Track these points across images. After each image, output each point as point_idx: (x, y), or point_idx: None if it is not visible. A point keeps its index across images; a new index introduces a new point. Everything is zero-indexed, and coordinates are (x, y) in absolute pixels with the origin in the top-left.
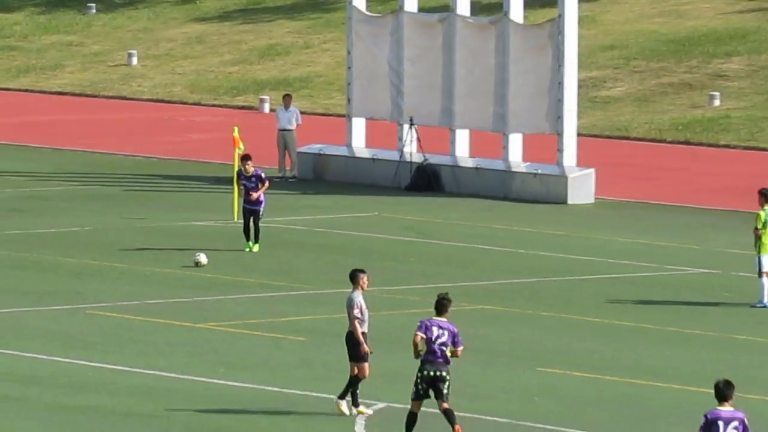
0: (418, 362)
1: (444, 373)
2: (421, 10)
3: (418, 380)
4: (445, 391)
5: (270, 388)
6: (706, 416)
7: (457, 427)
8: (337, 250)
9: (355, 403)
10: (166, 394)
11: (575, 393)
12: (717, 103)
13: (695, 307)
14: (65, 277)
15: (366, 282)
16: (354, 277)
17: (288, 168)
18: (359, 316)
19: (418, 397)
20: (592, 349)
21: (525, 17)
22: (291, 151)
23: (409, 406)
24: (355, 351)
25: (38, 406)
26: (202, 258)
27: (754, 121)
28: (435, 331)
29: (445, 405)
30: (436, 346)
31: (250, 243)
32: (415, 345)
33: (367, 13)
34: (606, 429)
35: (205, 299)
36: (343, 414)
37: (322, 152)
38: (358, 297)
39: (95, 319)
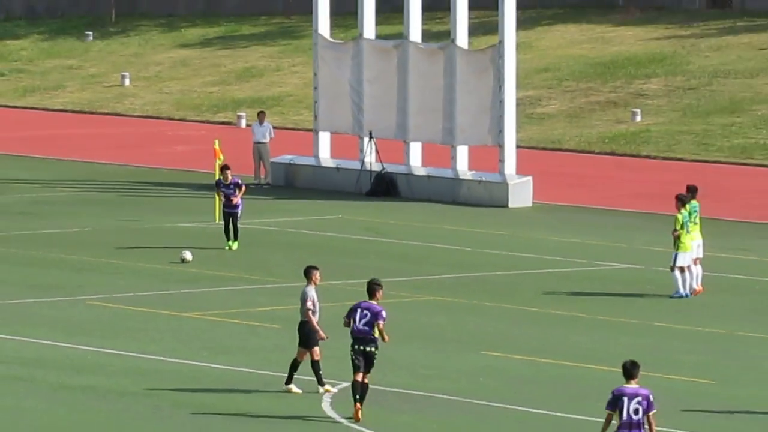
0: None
1: (372, 349)
2: (378, 37)
3: (353, 355)
4: (371, 366)
5: (247, 369)
6: (613, 392)
7: (358, 405)
8: (306, 248)
9: (320, 383)
10: (156, 375)
11: (516, 373)
12: (638, 118)
13: (621, 298)
14: (67, 272)
15: (318, 277)
16: (308, 273)
17: (262, 176)
18: (312, 307)
19: (357, 369)
20: (531, 334)
21: (470, 43)
22: (265, 161)
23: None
24: (309, 338)
25: (43, 386)
26: (188, 255)
27: (671, 135)
28: (359, 312)
29: (366, 380)
30: (360, 326)
31: (230, 242)
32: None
33: (331, 40)
34: (543, 405)
35: (190, 291)
36: (297, 394)
37: (292, 162)
38: (311, 291)
39: (94, 309)
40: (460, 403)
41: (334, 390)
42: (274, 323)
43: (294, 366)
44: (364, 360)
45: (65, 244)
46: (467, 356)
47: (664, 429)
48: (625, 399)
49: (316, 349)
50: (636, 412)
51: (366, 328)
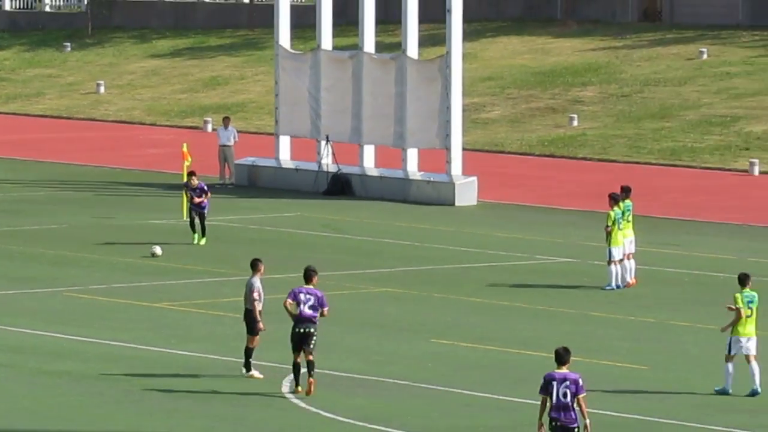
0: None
1: (311, 330)
2: (335, 48)
3: (292, 337)
4: (311, 345)
5: (213, 356)
6: (544, 377)
7: (311, 380)
8: (268, 243)
9: (247, 368)
10: (128, 361)
11: (462, 359)
12: (575, 123)
13: (559, 290)
14: (46, 265)
15: (263, 269)
16: (254, 264)
17: (227, 177)
18: (257, 297)
19: (296, 349)
20: (476, 323)
21: (419, 54)
22: (230, 163)
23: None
24: (252, 326)
25: (24, 371)
26: (158, 250)
27: (606, 138)
28: (302, 296)
29: (310, 357)
30: (306, 309)
31: (197, 236)
32: (286, 308)
33: (291, 51)
34: (487, 389)
35: (160, 283)
36: (258, 379)
37: (255, 164)
38: (257, 282)
39: (71, 299)
40: (410, 387)
41: (260, 376)
42: (237, 313)
43: (248, 353)
44: (305, 339)
45: (44, 239)
46: (417, 344)
47: (601, 411)
48: (554, 383)
49: (257, 337)
50: (564, 395)
51: (310, 311)
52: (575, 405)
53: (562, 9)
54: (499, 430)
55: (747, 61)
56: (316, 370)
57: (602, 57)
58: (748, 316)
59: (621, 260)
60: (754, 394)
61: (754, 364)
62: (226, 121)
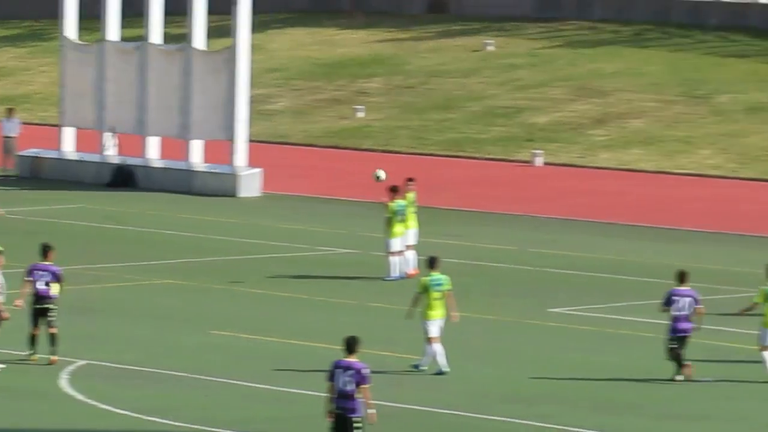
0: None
1: (49, 305)
2: (123, 40)
3: (32, 312)
4: (52, 318)
5: None
6: (332, 364)
7: (54, 358)
8: (50, 235)
9: None
10: None
11: (242, 351)
12: (360, 115)
13: (340, 281)
14: None
15: (2, 261)
16: None
17: (10, 168)
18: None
19: (35, 323)
20: (257, 315)
21: (207, 46)
22: (13, 154)
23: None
24: None
25: None
26: None
27: (390, 130)
28: (38, 274)
29: (54, 330)
30: (42, 287)
31: None
32: (24, 293)
33: (77, 42)
34: (266, 380)
35: None
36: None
37: (37, 155)
38: None
39: None
40: (188, 379)
41: (3, 366)
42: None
43: None
44: (43, 314)
45: None
46: (196, 335)
47: (379, 402)
48: (339, 371)
49: None
50: (345, 384)
51: (46, 287)
52: (358, 395)
53: (349, 0)
54: (276, 421)
55: (532, 53)
56: (59, 346)
57: (388, 49)
58: (436, 299)
59: (402, 251)
60: (439, 373)
61: (437, 345)
62: (10, 111)
